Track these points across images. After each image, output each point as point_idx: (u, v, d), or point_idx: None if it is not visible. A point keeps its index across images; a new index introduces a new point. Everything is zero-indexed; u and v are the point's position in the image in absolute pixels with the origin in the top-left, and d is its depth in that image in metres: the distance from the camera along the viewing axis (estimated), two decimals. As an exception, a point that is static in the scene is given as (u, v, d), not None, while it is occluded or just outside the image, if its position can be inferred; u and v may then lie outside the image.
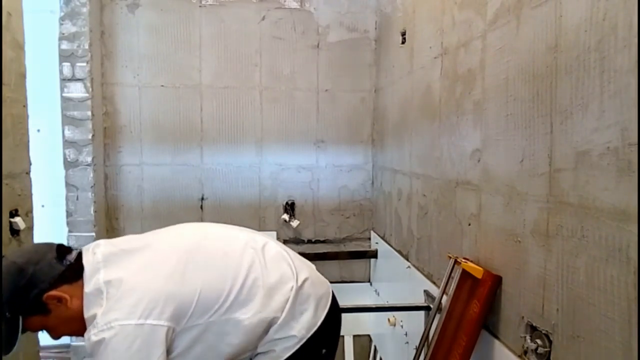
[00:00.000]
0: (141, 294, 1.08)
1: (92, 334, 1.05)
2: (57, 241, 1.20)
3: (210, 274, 1.18)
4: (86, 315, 1.10)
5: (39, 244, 1.21)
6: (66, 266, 1.13)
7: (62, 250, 1.16)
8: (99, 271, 1.13)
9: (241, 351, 1.21)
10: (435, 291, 1.83)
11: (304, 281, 1.29)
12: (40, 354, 1.92)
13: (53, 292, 1.10)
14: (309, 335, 1.25)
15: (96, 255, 1.17)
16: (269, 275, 1.24)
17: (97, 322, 1.05)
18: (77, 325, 1.12)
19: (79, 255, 1.18)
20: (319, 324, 1.28)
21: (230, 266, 1.21)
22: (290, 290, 1.25)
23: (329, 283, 1.43)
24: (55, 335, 1.19)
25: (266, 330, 1.21)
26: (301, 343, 1.24)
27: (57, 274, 1.11)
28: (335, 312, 1.37)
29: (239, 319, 1.17)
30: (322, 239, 3.09)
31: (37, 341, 1.88)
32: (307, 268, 1.37)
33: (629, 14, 0.86)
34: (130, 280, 1.11)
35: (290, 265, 1.31)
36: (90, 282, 1.12)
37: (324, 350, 1.33)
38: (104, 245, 1.21)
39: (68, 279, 1.13)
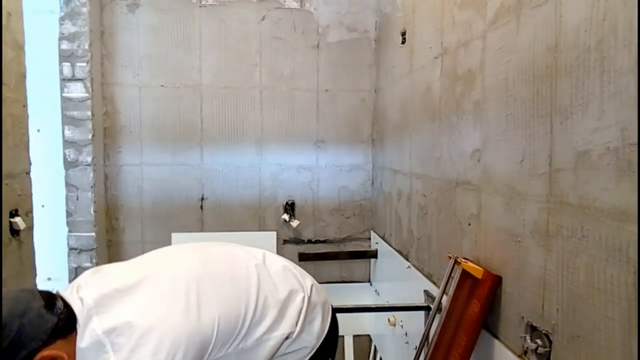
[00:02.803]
0: (160, 336, 0.93)
1: None
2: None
3: (223, 302, 1.06)
4: None
5: (16, 291, 0.96)
6: (58, 316, 0.92)
7: (46, 296, 0.95)
8: (91, 319, 0.94)
9: None
10: (435, 291, 1.83)
11: (311, 289, 1.26)
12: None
13: (47, 352, 0.89)
14: (318, 344, 1.23)
15: (85, 300, 0.97)
16: (279, 291, 1.18)
17: None
18: None
19: (63, 300, 0.98)
20: (326, 331, 1.26)
21: (240, 289, 1.12)
22: (302, 301, 1.20)
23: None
24: None
25: (278, 345, 1.15)
26: (312, 353, 1.22)
27: (50, 328, 0.90)
28: (335, 317, 1.36)
29: (256, 344, 1.10)
30: (322, 239, 3.09)
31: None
32: (308, 275, 1.34)
33: (629, 14, 0.86)
34: (142, 323, 0.93)
35: (296, 275, 1.26)
36: (84, 334, 0.93)
37: (329, 359, 1.31)
38: (88, 288, 1.01)
39: (63, 332, 0.92)
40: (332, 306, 1.35)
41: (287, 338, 1.15)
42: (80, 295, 0.99)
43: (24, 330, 0.87)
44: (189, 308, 1.00)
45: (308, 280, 1.29)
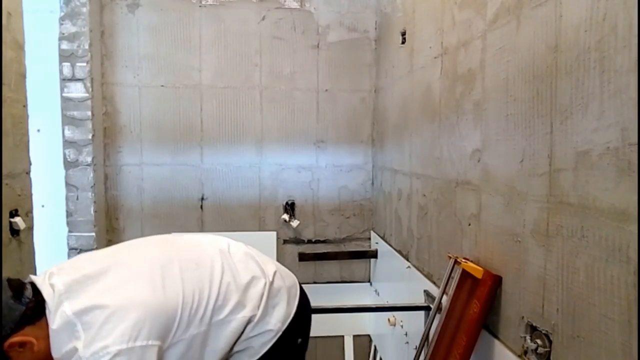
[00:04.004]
0: (126, 313, 1.00)
1: None
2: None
3: (187, 286, 1.14)
4: (57, 354, 0.99)
5: None
6: (26, 305, 0.99)
7: (15, 286, 1.02)
8: (62, 303, 1.00)
9: (224, 355, 1.22)
10: (435, 291, 1.83)
11: (274, 275, 1.33)
12: None
13: (15, 339, 0.96)
14: (284, 327, 1.30)
15: (56, 286, 1.03)
16: (241, 277, 1.25)
17: (81, 357, 0.95)
18: None
19: (35, 288, 1.03)
20: (292, 314, 1.33)
21: (204, 275, 1.19)
22: (264, 287, 1.28)
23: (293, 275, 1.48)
24: None
25: (243, 330, 1.23)
26: (278, 336, 1.28)
27: (18, 316, 0.97)
28: (305, 301, 1.42)
29: (219, 325, 1.17)
30: (322, 239, 3.09)
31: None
32: (272, 262, 1.42)
33: (629, 14, 0.86)
34: (109, 303, 1.01)
35: (258, 262, 1.34)
36: (55, 317, 0.99)
37: (299, 340, 1.38)
38: (60, 274, 1.07)
39: (30, 319, 0.99)
40: (300, 290, 1.42)
41: (250, 322, 1.23)
42: (51, 281, 1.04)
43: None
44: (155, 289, 1.08)
45: (271, 267, 1.36)
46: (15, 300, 0.99)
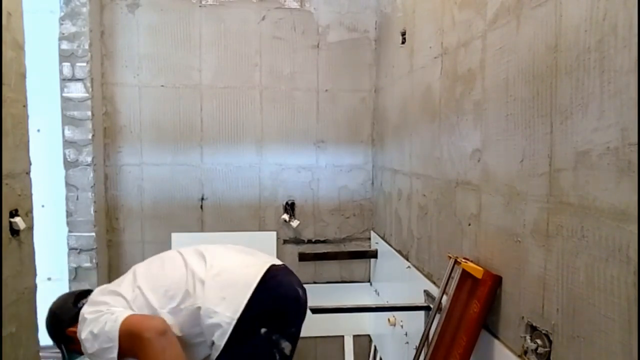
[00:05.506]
0: (94, 298, 1.56)
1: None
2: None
3: (151, 283, 1.57)
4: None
5: (69, 293, 1.78)
6: (78, 308, 1.58)
7: (79, 296, 1.65)
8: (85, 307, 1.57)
9: (191, 337, 1.49)
10: (435, 291, 1.83)
11: (221, 271, 1.55)
12: (41, 353, 1.92)
13: (71, 329, 1.56)
14: (236, 317, 1.41)
15: (91, 296, 1.61)
16: (190, 276, 1.55)
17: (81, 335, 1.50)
18: None
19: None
20: (243, 305, 1.43)
21: (164, 272, 1.61)
22: (206, 281, 1.51)
23: (265, 264, 1.61)
24: None
25: (197, 320, 1.47)
26: (231, 327, 1.40)
27: (73, 315, 1.58)
28: (272, 292, 1.51)
29: (175, 313, 1.47)
30: (322, 239, 3.09)
31: (37, 341, 1.88)
32: (229, 259, 1.64)
33: (629, 14, 0.86)
34: (101, 298, 1.55)
35: (206, 259, 1.60)
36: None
37: (263, 330, 1.44)
38: (102, 287, 1.66)
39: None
40: (264, 283, 1.51)
41: (200, 311, 1.46)
42: (94, 292, 1.64)
43: (59, 316, 1.62)
44: (121, 283, 1.61)
45: (223, 263, 1.59)
46: (73, 305, 1.62)
